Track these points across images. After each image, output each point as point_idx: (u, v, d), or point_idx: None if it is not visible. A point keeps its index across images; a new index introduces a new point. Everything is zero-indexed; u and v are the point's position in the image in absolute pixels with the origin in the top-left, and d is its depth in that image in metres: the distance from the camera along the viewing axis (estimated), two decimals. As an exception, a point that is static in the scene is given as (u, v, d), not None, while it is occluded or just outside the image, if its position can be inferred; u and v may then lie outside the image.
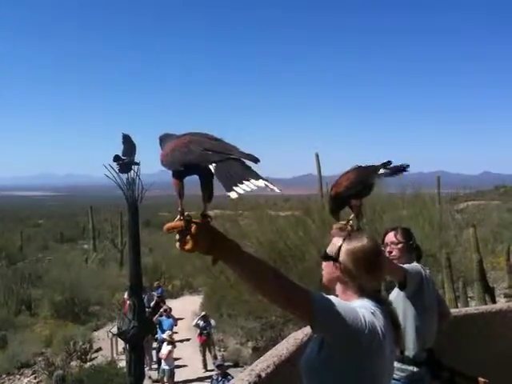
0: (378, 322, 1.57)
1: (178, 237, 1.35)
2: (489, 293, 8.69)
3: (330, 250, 1.76)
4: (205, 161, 1.26)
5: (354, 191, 2.46)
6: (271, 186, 1.18)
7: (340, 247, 1.72)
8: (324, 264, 1.77)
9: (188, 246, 1.33)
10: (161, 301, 14.25)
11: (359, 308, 1.56)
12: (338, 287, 1.73)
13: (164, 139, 1.48)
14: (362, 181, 2.47)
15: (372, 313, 1.58)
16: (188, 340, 13.70)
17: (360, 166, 2.58)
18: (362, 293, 1.67)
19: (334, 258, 1.72)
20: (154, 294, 14.60)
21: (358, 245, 1.70)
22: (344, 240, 1.73)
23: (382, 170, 2.48)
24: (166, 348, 10.29)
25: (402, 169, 2.50)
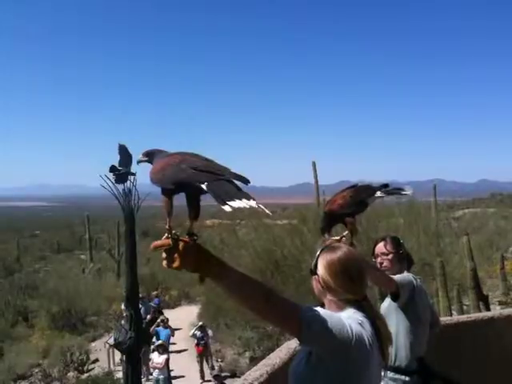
0: (366, 332, 1.56)
1: (164, 255, 1.36)
2: (483, 300, 8.69)
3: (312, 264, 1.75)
4: (196, 180, 1.27)
5: (348, 211, 2.50)
6: (262, 207, 1.22)
7: (317, 260, 1.71)
8: (312, 278, 1.76)
9: (175, 264, 1.35)
10: (158, 311, 14.19)
11: (346, 319, 1.55)
12: (325, 299, 1.71)
13: (153, 155, 1.48)
14: (356, 202, 2.50)
15: (360, 323, 1.57)
16: (185, 350, 13.61)
17: (357, 186, 2.61)
18: (348, 304, 1.65)
19: (314, 272, 1.72)
20: (152, 304, 14.54)
21: (334, 257, 1.68)
22: (320, 253, 1.72)
23: (379, 193, 2.53)
24: (162, 357, 10.07)
25: (400, 191, 2.54)
